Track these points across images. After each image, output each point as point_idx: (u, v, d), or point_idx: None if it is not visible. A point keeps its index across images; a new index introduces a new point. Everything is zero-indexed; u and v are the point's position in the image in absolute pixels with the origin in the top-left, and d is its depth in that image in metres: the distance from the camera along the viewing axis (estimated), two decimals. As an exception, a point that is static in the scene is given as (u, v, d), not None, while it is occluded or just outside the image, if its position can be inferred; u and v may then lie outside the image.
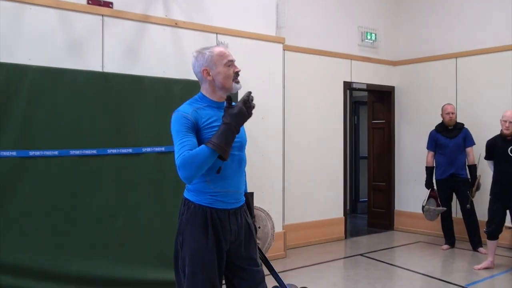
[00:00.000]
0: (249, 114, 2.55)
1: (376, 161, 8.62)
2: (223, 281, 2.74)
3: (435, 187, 6.93)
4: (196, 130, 2.57)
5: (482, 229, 6.21)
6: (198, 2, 5.57)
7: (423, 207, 6.89)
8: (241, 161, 2.72)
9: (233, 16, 5.85)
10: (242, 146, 2.74)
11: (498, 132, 5.85)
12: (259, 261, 2.85)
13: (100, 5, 4.78)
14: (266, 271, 2.95)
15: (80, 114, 4.39)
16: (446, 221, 6.94)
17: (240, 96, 4.63)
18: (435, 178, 6.96)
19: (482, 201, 6.54)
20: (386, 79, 8.26)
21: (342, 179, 7.63)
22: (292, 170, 6.82)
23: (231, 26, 5.79)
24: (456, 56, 7.50)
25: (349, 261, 6.44)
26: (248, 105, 2.53)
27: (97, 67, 4.73)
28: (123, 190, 4.58)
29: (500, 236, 5.82)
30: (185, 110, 2.60)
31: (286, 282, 3.80)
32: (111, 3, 4.85)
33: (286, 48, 6.58)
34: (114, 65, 4.82)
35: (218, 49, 2.69)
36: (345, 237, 7.64)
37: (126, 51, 4.96)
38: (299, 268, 5.90)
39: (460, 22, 7.50)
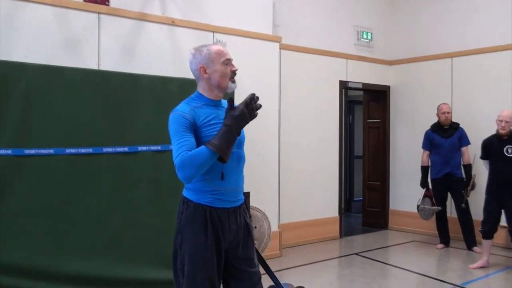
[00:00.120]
0: (251, 116, 2.54)
1: (371, 160, 8.64)
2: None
3: (430, 187, 6.96)
4: (194, 129, 2.56)
5: (477, 228, 6.24)
6: (195, 1, 5.55)
7: (418, 206, 6.91)
8: (240, 159, 2.71)
9: (230, 15, 5.84)
10: (240, 143, 2.73)
11: (493, 132, 5.88)
12: (256, 261, 2.85)
13: (96, 2, 4.75)
14: (262, 270, 2.95)
15: (76, 112, 4.36)
16: (441, 220, 6.97)
17: (238, 95, 4.65)
18: (430, 178, 6.98)
19: (476, 201, 6.57)
20: (382, 78, 8.28)
21: (338, 178, 7.65)
22: (288, 169, 6.81)
23: (227, 25, 5.78)
24: (451, 56, 7.52)
25: (344, 260, 6.45)
26: (250, 107, 2.52)
27: (93, 65, 4.71)
28: (119, 189, 4.55)
29: (495, 235, 5.85)
30: (182, 109, 2.59)
31: (282, 281, 3.81)
32: (108, 1, 4.83)
33: (283, 47, 6.57)
34: (111, 63, 4.80)
35: (216, 47, 2.68)
36: (340, 236, 7.65)
37: (123, 49, 4.94)
38: (294, 267, 5.91)
39: (455, 22, 7.52)
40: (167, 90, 4.88)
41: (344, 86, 7.77)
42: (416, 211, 6.98)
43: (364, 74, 8.00)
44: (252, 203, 5.20)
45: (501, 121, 5.63)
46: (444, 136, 6.85)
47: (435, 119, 7.03)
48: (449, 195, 6.95)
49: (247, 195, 3.26)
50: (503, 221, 5.82)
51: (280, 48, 6.43)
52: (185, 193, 2.68)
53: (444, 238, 6.98)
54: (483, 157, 5.95)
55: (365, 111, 8.77)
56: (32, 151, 4.11)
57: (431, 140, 6.96)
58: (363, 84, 8.02)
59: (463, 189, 6.68)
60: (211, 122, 2.60)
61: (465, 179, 6.74)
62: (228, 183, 2.62)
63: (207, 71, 2.65)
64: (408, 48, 8.15)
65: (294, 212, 6.96)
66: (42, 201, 4.15)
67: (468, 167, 6.73)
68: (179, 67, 5.14)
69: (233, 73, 2.69)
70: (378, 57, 8.20)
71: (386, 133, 8.40)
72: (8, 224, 3.98)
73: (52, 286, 4.09)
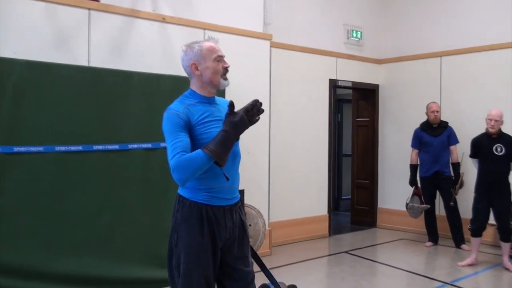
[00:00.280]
0: (251, 122, 2.51)
1: (360, 159, 8.66)
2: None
3: (419, 185, 6.99)
4: (189, 127, 2.53)
5: (465, 226, 6.30)
6: (186, -3, 5.52)
7: (407, 204, 6.95)
8: (236, 156, 2.69)
9: (221, 12, 5.81)
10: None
11: (481, 131, 5.91)
12: (251, 260, 2.83)
13: (86, -2, 4.70)
14: (256, 268, 2.93)
15: (66, 109, 4.31)
16: (430, 218, 7.01)
17: (228, 93, 4.63)
18: (419, 176, 7.02)
19: (465, 199, 6.63)
20: (371, 77, 8.31)
21: (327, 176, 7.65)
22: (277, 167, 6.80)
23: (218, 22, 5.75)
24: (440, 55, 7.56)
25: (334, 259, 6.46)
26: (251, 113, 2.49)
27: (83, 62, 4.65)
28: (110, 187, 4.52)
29: (484, 233, 5.89)
30: (176, 108, 2.57)
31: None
32: (98, -3, 4.78)
33: (273, 45, 6.56)
34: (101, 60, 4.74)
35: (208, 44, 2.66)
36: (329, 235, 7.67)
37: (113, 46, 4.89)
38: (284, 265, 5.90)
39: (444, 22, 7.57)
40: (158, 88, 4.86)
41: (334, 84, 7.77)
42: (404, 209, 7.01)
43: (354, 73, 8.01)
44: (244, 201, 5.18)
45: (491, 120, 5.67)
46: (433, 134, 6.89)
47: (424, 118, 7.06)
48: (437, 193, 7.00)
49: (241, 192, 3.25)
50: (491, 219, 5.87)
51: (270, 46, 6.41)
52: (180, 191, 2.65)
53: (433, 236, 7.02)
54: (473, 155, 5.99)
55: (354, 110, 8.78)
56: (22, 149, 4.06)
57: (420, 138, 7.00)
58: (353, 82, 8.04)
59: (451, 187, 6.73)
60: (205, 120, 2.58)
61: (453, 178, 6.79)
62: (224, 181, 2.60)
63: (198, 68, 2.62)
64: (397, 47, 8.18)
65: (284, 211, 6.95)
66: (31, 199, 4.10)
67: (457, 166, 6.78)
68: (170, 65, 5.11)
69: (225, 69, 2.66)
70: (368, 56, 8.22)
71: (375, 132, 8.43)
72: (-3, 222, 3.93)
73: (42, 286, 4.04)
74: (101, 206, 4.46)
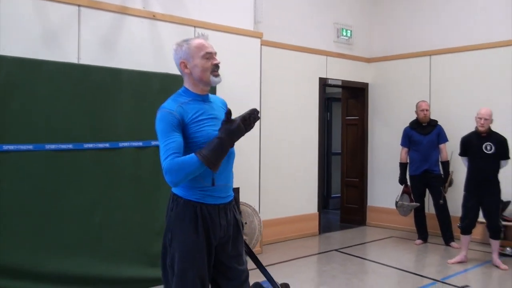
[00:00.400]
0: (246, 130, 2.51)
1: (349, 157, 8.68)
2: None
3: (408, 183, 7.02)
4: (182, 126, 2.52)
5: (455, 224, 6.34)
6: (176, -5, 5.48)
7: (396, 202, 6.98)
8: (230, 155, 2.67)
9: (212, 10, 5.78)
10: None
11: (470, 130, 5.94)
12: (245, 258, 2.82)
13: (76, -6, 4.65)
14: (251, 266, 2.92)
15: (55, 107, 4.26)
16: (419, 216, 7.04)
17: (219, 90, 4.61)
18: (409, 174, 7.06)
19: (454, 197, 6.68)
20: (361, 75, 8.32)
21: (317, 175, 7.66)
22: (268, 165, 6.79)
23: (209, 20, 5.72)
24: (430, 54, 7.60)
25: (324, 257, 6.47)
26: (247, 122, 2.49)
27: (73, 59, 4.59)
28: (100, 185, 4.48)
29: (473, 231, 5.93)
30: (170, 106, 2.55)
31: (264, 279, 3.78)
32: (88, -7, 4.73)
33: (264, 43, 6.54)
34: (91, 57, 4.69)
35: (196, 41, 2.64)
36: (319, 233, 7.67)
37: (103, 43, 4.84)
38: (275, 264, 5.88)
39: (434, 21, 7.60)
40: (148, 85, 4.82)
41: (323, 83, 7.78)
42: (394, 207, 7.04)
43: (343, 71, 8.03)
44: (235, 199, 5.16)
45: (480, 118, 5.70)
46: (423, 133, 6.92)
47: (413, 117, 7.09)
48: (427, 191, 7.03)
49: (236, 191, 3.23)
50: (481, 217, 5.90)
51: (261, 44, 6.40)
52: (174, 189, 2.63)
53: (422, 234, 7.06)
54: (462, 154, 6.02)
55: (344, 108, 8.80)
56: (11, 147, 4.01)
57: (409, 137, 7.03)
58: (342, 81, 8.05)
59: (441, 185, 6.77)
60: (199, 118, 2.57)
61: (443, 176, 6.82)
62: (218, 179, 2.59)
63: (187, 66, 2.61)
64: (387, 45, 8.21)
65: (274, 209, 6.94)
66: (21, 198, 4.05)
67: (446, 164, 6.83)
68: (160, 62, 5.08)
69: (215, 66, 2.64)
70: (357, 55, 8.24)
71: (364, 130, 8.45)
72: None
73: (33, 285, 3.99)
74: (92, 204, 4.42)
